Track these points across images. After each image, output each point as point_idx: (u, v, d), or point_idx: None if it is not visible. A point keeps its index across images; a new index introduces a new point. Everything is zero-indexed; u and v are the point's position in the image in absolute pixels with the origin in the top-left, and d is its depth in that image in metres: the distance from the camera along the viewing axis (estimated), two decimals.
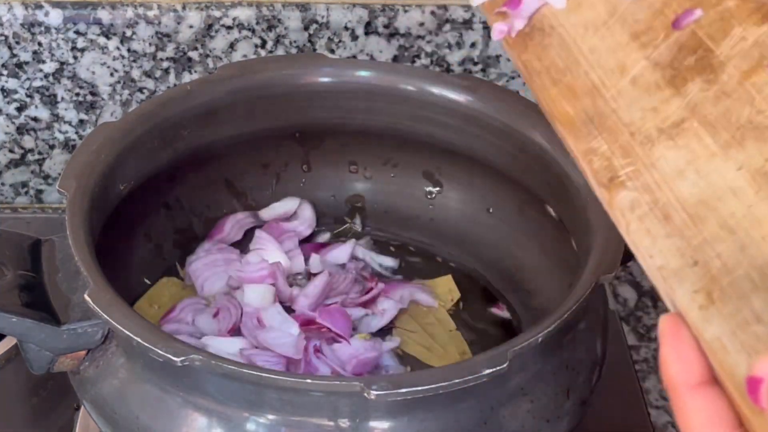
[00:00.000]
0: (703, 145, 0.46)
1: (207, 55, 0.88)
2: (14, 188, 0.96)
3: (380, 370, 0.71)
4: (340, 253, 0.80)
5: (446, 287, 0.78)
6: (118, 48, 0.88)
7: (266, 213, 0.82)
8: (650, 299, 0.89)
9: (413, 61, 0.90)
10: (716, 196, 0.45)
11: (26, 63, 0.88)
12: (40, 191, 0.97)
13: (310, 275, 0.78)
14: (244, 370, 0.55)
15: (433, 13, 0.87)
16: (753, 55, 0.47)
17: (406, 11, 0.87)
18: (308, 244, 0.82)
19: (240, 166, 0.82)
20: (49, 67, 0.88)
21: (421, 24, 0.88)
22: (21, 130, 0.92)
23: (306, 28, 0.88)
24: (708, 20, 0.50)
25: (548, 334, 0.57)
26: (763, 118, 0.45)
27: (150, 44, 0.87)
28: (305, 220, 0.82)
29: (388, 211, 0.84)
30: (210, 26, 0.87)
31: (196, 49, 0.88)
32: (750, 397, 0.40)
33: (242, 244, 0.80)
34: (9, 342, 0.77)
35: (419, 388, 0.54)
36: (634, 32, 0.52)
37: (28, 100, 0.90)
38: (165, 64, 0.89)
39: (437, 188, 0.83)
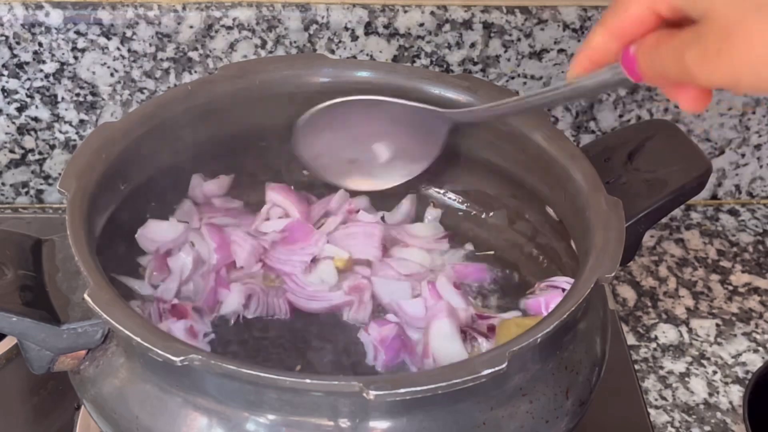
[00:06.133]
0: None
1: (207, 56, 0.88)
2: (15, 188, 0.96)
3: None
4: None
5: None
6: (118, 48, 0.88)
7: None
8: (650, 299, 0.89)
9: (413, 61, 0.90)
10: None
11: (27, 63, 0.88)
12: (40, 191, 0.97)
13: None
14: (244, 370, 0.55)
15: (432, 13, 0.87)
16: None
17: (406, 11, 0.87)
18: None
19: (240, 166, 0.82)
20: (50, 67, 0.88)
21: (421, 24, 0.88)
22: (21, 130, 0.92)
23: (306, 29, 0.88)
24: None
25: (547, 334, 0.57)
26: None
27: (150, 44, 0.88)
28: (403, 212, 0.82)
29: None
30: (210, 26, 0.87)
31: (196, 49, 0.88)
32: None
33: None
34: (9, 342, 0.77)
35: (418, 389, 0.54)
36: None
37: (28, 100, 0.90)
38: (165, 65, 0.89)
39: (437, 188, 0.83)
